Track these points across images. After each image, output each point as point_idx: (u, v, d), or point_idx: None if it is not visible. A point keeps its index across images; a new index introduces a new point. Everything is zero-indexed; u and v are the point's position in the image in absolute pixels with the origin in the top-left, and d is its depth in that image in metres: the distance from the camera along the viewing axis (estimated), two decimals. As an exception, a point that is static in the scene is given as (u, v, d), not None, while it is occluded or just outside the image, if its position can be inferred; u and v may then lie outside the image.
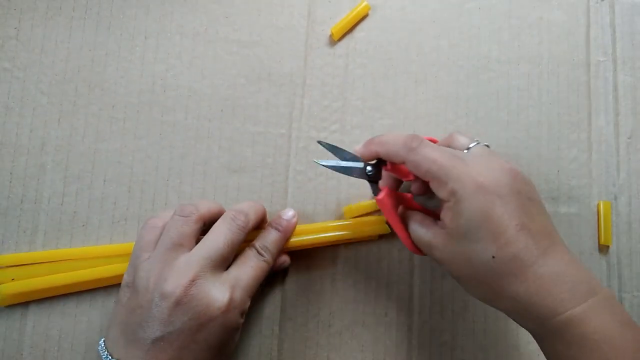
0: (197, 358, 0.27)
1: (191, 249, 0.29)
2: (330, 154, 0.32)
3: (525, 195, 0.27)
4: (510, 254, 0.25)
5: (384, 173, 0.31)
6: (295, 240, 0.34)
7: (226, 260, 0.30)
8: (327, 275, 0.35)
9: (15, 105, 0.35)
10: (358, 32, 0.38)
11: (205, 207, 0.31)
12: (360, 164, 0.31)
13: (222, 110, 0.37)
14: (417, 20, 0.39)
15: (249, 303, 0.30)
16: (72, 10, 0.37)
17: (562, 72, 0.39)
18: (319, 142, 0.32)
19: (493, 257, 0.25)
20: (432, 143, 0.28)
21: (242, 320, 0.29)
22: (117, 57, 0.36)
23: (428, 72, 0.38)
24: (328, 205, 0.36)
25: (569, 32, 0.40)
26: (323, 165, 0.31)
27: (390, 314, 0.35)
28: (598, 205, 0.38)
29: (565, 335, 0.24)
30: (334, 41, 0.38)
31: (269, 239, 0.32)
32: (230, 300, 0.28)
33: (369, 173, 0.31)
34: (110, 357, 0.27)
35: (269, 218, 0.34)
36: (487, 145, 0.30)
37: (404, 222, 0.30)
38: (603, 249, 0.37)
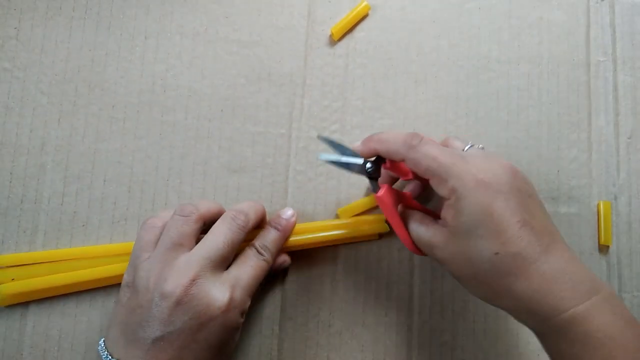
0: (198, 357, 0.27)
1: (191, 249, 0.29)
2: (330, 149, 0.32)
3: (525, 192, 0.27)
4: (513, 251, 0.25)
5: (382, 171, 0.31)
6: (295, 239, 0.34)
7: (226, 260, 0.30)
8: (327, 275, 0.35)
9: (15, 105, 0.35)
10: (358, 32, 0.38)
11: (205, 206, 0.31)
12: (360, 160, 0.31)
13: (222, 110, 0.37)
14: (417, 20, 0.39)
15: (249, 302, 0.30)
16: (72, 10, 0.37)
17: (562, 72, 0.39)
18: (319, 136, 0.32)
19: (496, 254, 0.25)
20: (432, 141, 0.28)
21: (242, 320, 0.29)
22: (117, 57, 0.36)
23: (428, 72, 0.38)
24: (328, 205, 0.36)
25: (569, 32, 0.40)
26: (323, 160, 0.31)
27: (390, 314, 0.35)
28: (598, 205, 0.38)
29: (569, 334, 0.24)
30: (334, 41, 0.38)
31: (269, 238, 0.32)
32: (231, 299, 0.28)
33: (369, 170, 0.30)
34: (110, 357, 0.27)
35: (268, 218, 0.34)
36: (482, 148, 0.30)
37: (404, 221, 0.30)
38: (603, 249, 0.37)
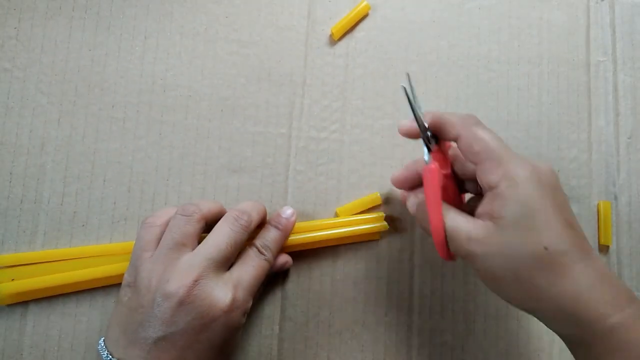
0: (200, 357, 0.27)
1: (194, 249, 0.29)
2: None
3: (562, 193, 0.26)
4: (562, 248, 0.24)
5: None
6: (295, 238, 0.34)
7: (229, 260, 0.30)
8: (327, 275, 0.35)
9: (15, 105, 0.35)
10: (358, 32, 0.38)
11: (207, 206, 0.31)
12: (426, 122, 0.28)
13: (222, 110, 0.37)
14: (417, 20, 0.39)
15: (251, 302, 0.30)
16: (72, 10, 0.37)
17: (562, 72, 0.39)
18: (407, 82, 0.28)
19: (545, 248, 0.24)
20: (486, 126, 0.27)
21: (244, 320, 0.29)
22: (117, 57, 0.36)
23: (428, 72, 0.38)
24: (328, 205, 0.36)
25: (569, 32, 0.40)
26: (405, 88, 0.27)
27: (390, 314, 0.35)
28: (598, 205, 0.38)
29: (611, 342, 0.23)
30: (334, 41, 0.38)
31: (269, 237, 0.32)
32: (233, 300, 0.28)
33: (429, 133, 0.28)
34: (110, 357, 0.27)
35: (268, 217, 0.34)
36: None
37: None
38: (603, 249, 0.37)
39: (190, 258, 0.28)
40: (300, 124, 0.37)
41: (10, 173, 0.34)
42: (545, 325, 0.26)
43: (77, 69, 0.36)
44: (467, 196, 0.32)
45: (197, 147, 0.36)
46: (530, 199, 0.24)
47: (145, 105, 0.36)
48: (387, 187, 0.36)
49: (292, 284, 0.35)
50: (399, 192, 0.36)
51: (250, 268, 0.30)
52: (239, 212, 0.31)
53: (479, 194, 0.30)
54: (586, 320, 0.24)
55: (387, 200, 0.36)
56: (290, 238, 0.34)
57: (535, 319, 0.26)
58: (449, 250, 0.27)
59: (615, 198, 0.38)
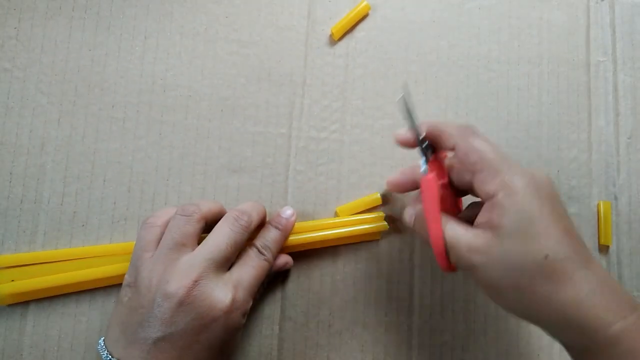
0: (199, 358, 0.27)
1: (194, 249, 0.29)
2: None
3: (559, 201, 0.26)
4: (562, 256, 0.24)
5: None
6: (295, 238, 0.34)
7: (229, 261, 0.30)
8: (327, 275, 0.35)
9: (15, 105, 0.35)
10: (358, 32, 0.38)
11: (207, 206, 0.31)
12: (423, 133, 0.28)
13: (222, 110, 0.37)
14: (417, 20, 0.39)
15: (251, 303, 0.30)
16: (72, 10, 0.37)
17: (562, 72, 0.39)
18: (403, 95, 0.29)
19: (546, 257, 0.24)
20: (484, 136, 0.27)
21: (244, 321, 0.29)
22: (117, 57, 0.36)
23: (428, 72, 0.38)
24: (328, 205, 0.36)
25: (569, 32, 0.40)
26: (401, 101, 0.28)
27: (390, 314, 0.35)
28: (598, 205, 0.38)
29: (616, 350, 0.23)
30: (334, 41, 0.38)
31: (269, 237, 0.32)
32: (233, 300, 0.28)
33: (424, 143, 0.28)
34: (110, 357, 0.27)
35: (268, 218, 0.34)
36: None
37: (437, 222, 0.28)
38: (603, 249, 0.37)
39: (190, 258, 0.28)
40: (300, 124, 0.37)
41: (10, 173, 0.34)
42: (549, 334, 0.26)
43: (77, 69, 0.36)
44: (465, 201, 0.32)
45: (197, 147, 0.36)
46: (529, 207, 0.24)
47: (145, 105, 0.36)
48: (387, 187, 0.36)
49: (292, 284, 0.35)
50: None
51: (250, 268, 0.30)
52: (239, 213, 0.31)
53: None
54: (589, 328, 0.23)
55: (387, 200, 0.36)
56: (290, 238, 0.34)
57: (536, 319, 0.26)
58: (449, 261, 0.27)
59: (615, 198, 0.38)
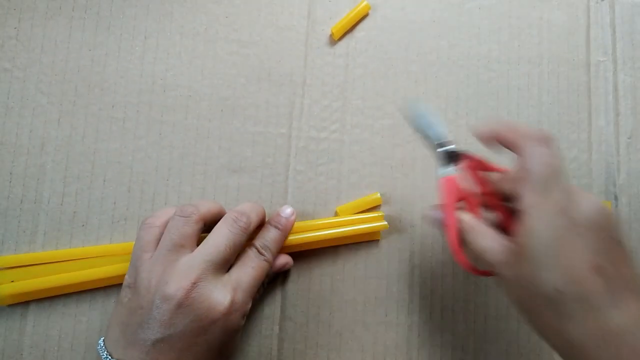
0: (198, 359, 0.27)
1: (192, 250, 0.29)
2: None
3: (609, 235, 0.24)
4: (576, 294, 0.23)
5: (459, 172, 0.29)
6: (295, 237, 0.34)
7: (228, 262, 0.30)
8: (327, 275, 0.35)
9: (15, 105, 0.35)
10: (358, 32, 0.38)
11: (206, 207, 0.31)
12: (444, 137, 0.29)
13: (222, 110, 0.37)
14: (417, 20, 0.39)
15: (250, 304, 0.30)
16: (72, 10, 0.37)
17: (562, 72, 0.39)
18: (412, 103, 0.29)
19: (556, 289, 0.23)
20: (555, 146, 0.26)
21: (243, 322, 0.29)
22: (117, 57, 0.36)
23: (428, 72, 0.38)
24: (328, 205, 0.36)
25: (569, 32, 0.40)
26: (413, 111, 0.28)
27: (390, 314, 0.35)
28: (598, 205, 0.38)
29: None
30: (334, 41, 0.38)
31: (269, 237, 0.32)
32: (232, 302, 0.28)
33: (447, 147, 0.28)
34: (109, 357, 0.27)
35: (268, 218, 0.34)
36: None
37: (464, 232, 0.28)
38: (603, 249, 0.37)
39: (189, 260, 0.28)
40: (300, 124, 0.37)
41: (10, 173, 0.34)
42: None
43: (77, 69, 0.36)
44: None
45: (197, 147, 0.36)
46: (549, 235, 0.23)
47: (145, 105, 0.36)
48: (387, 187, 0.36)
49: (292, 284, 0.35)
50: (399, 192, 0.36)
51: (249, 269, 0.30)
52: (238, 214, 0.31)
53: None
54: None
55: (387, 200, 0.36)
56: (290, 238, 0.34)
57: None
58: (476, 268, 0.28)
59: (615, 198, 0.38)
